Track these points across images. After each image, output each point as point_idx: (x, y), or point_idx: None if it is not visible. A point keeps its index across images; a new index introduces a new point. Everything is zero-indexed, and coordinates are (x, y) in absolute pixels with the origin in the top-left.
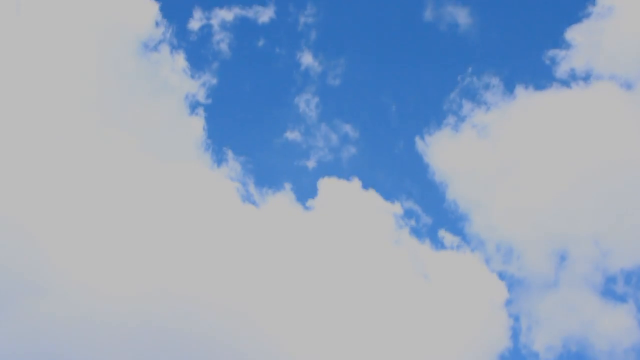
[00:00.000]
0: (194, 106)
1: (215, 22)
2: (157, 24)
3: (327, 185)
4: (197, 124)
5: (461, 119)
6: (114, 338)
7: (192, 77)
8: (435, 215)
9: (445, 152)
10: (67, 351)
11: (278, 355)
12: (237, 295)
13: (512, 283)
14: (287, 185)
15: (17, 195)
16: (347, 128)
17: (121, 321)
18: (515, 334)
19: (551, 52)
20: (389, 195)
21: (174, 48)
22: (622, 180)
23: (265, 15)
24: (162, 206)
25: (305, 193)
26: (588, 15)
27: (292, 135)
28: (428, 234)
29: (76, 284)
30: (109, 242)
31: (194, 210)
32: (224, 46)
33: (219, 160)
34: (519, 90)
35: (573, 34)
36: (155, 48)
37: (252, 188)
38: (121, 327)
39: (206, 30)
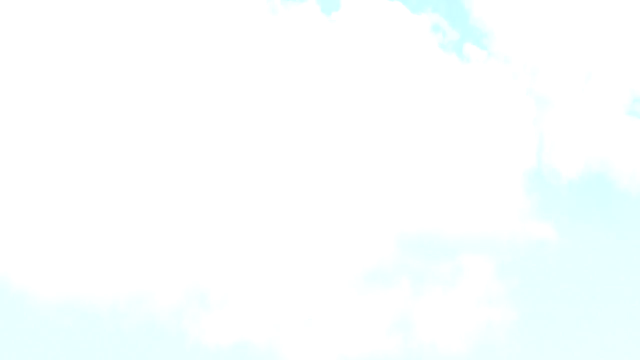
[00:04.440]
0: None
1: None
2: None
3: None
4: None
5: None
6: None
7: None
8: (462, 30)
9: None
10: None
11: (303, 179)
12: (257, 113)
13: (538, 100)
14: None
15: None
16: None
17: None
18: (539, 152)
19: None
20: (415, 8)
21: None
22: None
23: None
24: (183, 18)
25: (330, 4)
26: None
27: None
28: (454, 48)
29: None
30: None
31: (219, 21)
32: None
33: None
34: None
35: None
36: None
37: None
38: None
39: None
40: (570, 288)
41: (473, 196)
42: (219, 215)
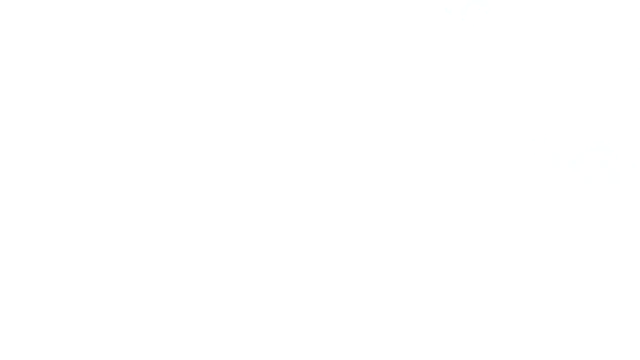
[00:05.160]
0: None
1: None
2: None
3: None
4: None
5: None
6: None
7: None
8: None
9: None
10: None
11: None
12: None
13: (541, 65)
14: None
15: None
16: None
17: None
18: (543, 117)
19: None
20: None
21: None
22: None
23: None
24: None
25: None
26: None
27: None
28: (459, 11)
29: None
30: None
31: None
32: None
33: None
34: None
35: None
36: None
37: None
38: None
39: None
40: None
41: (475, 163)
42: (223, 191)
